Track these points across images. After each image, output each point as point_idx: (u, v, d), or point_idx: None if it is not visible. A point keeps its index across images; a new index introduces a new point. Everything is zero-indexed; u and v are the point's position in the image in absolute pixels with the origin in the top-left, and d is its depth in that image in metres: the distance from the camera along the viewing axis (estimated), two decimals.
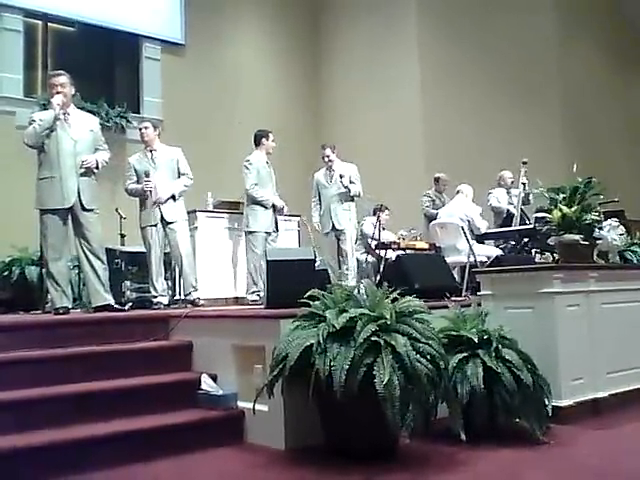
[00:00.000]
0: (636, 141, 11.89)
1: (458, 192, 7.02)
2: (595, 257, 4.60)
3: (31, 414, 3.14)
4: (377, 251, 7.04)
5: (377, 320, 3.01)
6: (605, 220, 4.64)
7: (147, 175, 5.45)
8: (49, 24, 8.87)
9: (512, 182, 7.78)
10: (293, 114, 10.61)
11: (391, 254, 6.63)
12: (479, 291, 4.30)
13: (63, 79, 4.73)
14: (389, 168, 9.41)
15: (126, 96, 9.25)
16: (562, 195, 4.19)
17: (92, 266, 4.70)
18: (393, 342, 2.91)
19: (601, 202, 4.48)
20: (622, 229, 4.80)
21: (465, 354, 3.41)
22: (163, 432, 3.27)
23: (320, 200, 6.94)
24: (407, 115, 9.71)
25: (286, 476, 2.94)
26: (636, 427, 3.68)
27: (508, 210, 7.53)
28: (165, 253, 5.62)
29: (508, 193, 7.77)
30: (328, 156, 6.90)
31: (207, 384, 3.66)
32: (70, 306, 4.70)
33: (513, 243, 6.64)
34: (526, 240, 6.45)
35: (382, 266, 6.47)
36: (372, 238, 7.01)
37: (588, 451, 3.24)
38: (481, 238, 6.60)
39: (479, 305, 4.15)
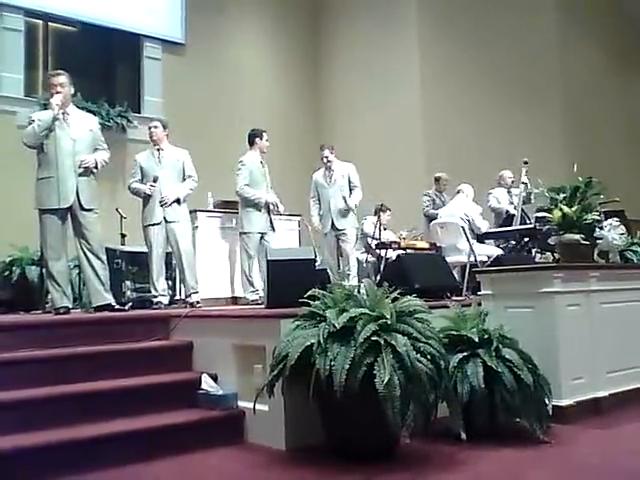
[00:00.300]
0: (637, 141, 11.88)
1: (458, 192, 7.03)
2: (595, 257, 4.61)
3: (32, 414, 3.14)
4: (377, 251, 7.05)
5: (377, 320, 3.01)
6: (605, 220, 4.65)
7: (155, 180, 5.45)
8: (50, 24, 8.86)
9: (512, 182, 7.77)
10: (293, 114, 10.62)
11: (391, 254, 6.63)
12: (479, 291, 4.30)
13: (62, 79, 4.71)
14: (389, 168, 9.40)
15: (127, 95, 9.24)
16: (562, 195, 4.20)
17: (92, 266, 4.69)
18: (393, 342, 2.91)
19: (601, 202, 4.47)
20: (622, 229, 4.79)
21: (465, 354, 3.41)
22: (164, 432, 3.27)
23: (319, 200, 6.95)
24: (407, 115, 9.70)
25: (286, 476, 2.94)
26: (636, 427, 3.68)
27: (507, 210, 7.53)
28: (167, 253, 5.62)
29: (509, 192, 7.77)
30: (327, 157, 6.91)
31: (207, 384, 3.66)
32: (70, 306, 4.70)
33: (514, 243, 6.65)
34: (526, 240, 6.46)
35: (382, 266, 6.47)
36: (372, 237, 7.01)
37: (588, 450, 3.24)
38: (481, 238, 6.61)
39: (479, 305, 4.14)
